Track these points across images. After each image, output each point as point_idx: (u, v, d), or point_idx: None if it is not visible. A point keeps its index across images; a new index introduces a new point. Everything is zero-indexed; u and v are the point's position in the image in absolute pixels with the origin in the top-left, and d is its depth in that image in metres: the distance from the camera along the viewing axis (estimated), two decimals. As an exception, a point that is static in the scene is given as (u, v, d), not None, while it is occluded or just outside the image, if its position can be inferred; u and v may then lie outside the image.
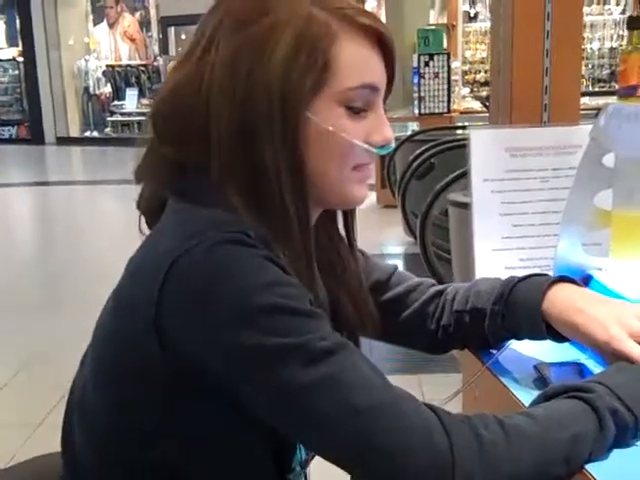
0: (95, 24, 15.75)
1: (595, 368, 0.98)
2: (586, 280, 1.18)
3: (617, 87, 1.63)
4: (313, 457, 0.96)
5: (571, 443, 0.77)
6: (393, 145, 0.90)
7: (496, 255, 1.27)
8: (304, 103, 0.83)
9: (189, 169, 0.86)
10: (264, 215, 0.82)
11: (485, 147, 1.27)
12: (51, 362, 3.52)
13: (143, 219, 0.94)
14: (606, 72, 10.65)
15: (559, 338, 0.99)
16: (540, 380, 0.98)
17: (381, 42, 0.87)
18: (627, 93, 1.51)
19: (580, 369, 0.99)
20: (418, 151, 4.82)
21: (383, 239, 5.74)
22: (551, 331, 0.99)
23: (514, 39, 1.64)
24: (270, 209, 0.83)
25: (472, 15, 11.71)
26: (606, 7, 10.78)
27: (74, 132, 15.40)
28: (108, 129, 15.10)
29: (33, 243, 6.80)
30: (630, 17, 1.56)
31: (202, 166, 0.84)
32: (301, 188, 0.84)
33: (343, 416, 0.73)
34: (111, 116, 15.08)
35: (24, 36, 15.20)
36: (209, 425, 0.83)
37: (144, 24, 15.56)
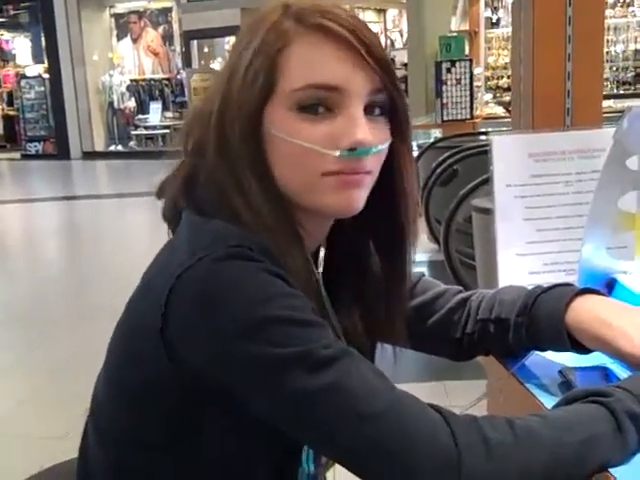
0: (119, 39, 15.94)
1: (621, 372, 0.97)
2: (611, 284, 1.18)
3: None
4: (326, 469, 0.97)
5: (584, 445, 0.76)
6: (374, 148, 0.85)
7: (520, 260, 1.26)
8: (257, 111, 0.84)
9: (202, 180, 0.88)
10: (255, 226, 0.83)
11: (508, 152, 1.27)
12: (75, 374, 3.54)
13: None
14: (631, 74, 10.56)
15: (583, 350, 0.99)
16: (565, 385, 0.97)
17: (346, 41, 0.83)
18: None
19: (606, 373, 0.98)
20: (441, 158, 4.81)
21: (408, 247, 5.70)
22: (575, 343, 0.98)
23: (535, 44, 1.63)
24: (255, 220, 0.83)
25: (494, 21, 11.70)
26: (630, 9, 10.71)
27: (99, 146, 15.56)
28: (132, 143, 15.26)
29: (61, 257, 6.88)
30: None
31: (211, 177, 0.87)
32: (273, 195, 0.85)
33: (349, 421, 0.74)
34: (135, 130, 15.23)
35: (49, 53, 15.42)
36: (215, 436, 0.84)
37: (167, 38, 15.72)
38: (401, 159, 0.92)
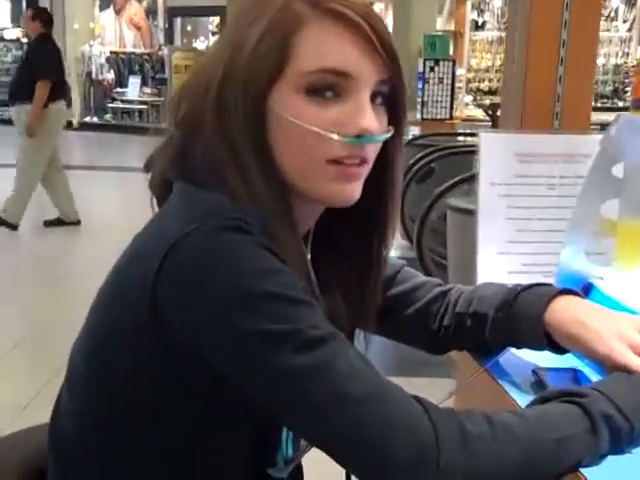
0: (101, 10, 15.74)
1: (592, 375, 0.98)
2: (587, 288, 1.19)
3: (630, 99, 1.64)
4: (303, 454, 0.96)
5: (560, 444, 0.77)
6: (376, 136, 0.86)
7: (499, 258, 1.27)
8: (264, 90, 0.83)
9: (196, 152, 0.87)
10: (249, 203, 0.83)
11: (494, 151, 1.27)
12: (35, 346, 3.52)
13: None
14: (609, 88, 10.70)
15: (558, 349, 1.00)
16: (538, 384, 0.98)
17: (360, 29, 0.83)
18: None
19: (577, 376, 0.99)
20: (419, 155, 4.83)
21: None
22: (551, 342, 0.99)
23: (529, 45, 1.64)
24: (249, 197, 0.83)
25: (479, 24, 11.77)
26: (613, 24, 10.84)
27: (74, 117, 15.35)
28: (108, 115, 15.07)
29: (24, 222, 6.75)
30: (645, 31, 1.57)
31: (207, 150, 0.86)
32: (271, 175, 0.84)
33: (331, 404, 0.74)
34: (112, 103, 15.05)
35: (29, 17, 15.16)
36: (193, 409, 0.83)
37: (151, 13, 15.56)
38: (394, 150, 0.93)
